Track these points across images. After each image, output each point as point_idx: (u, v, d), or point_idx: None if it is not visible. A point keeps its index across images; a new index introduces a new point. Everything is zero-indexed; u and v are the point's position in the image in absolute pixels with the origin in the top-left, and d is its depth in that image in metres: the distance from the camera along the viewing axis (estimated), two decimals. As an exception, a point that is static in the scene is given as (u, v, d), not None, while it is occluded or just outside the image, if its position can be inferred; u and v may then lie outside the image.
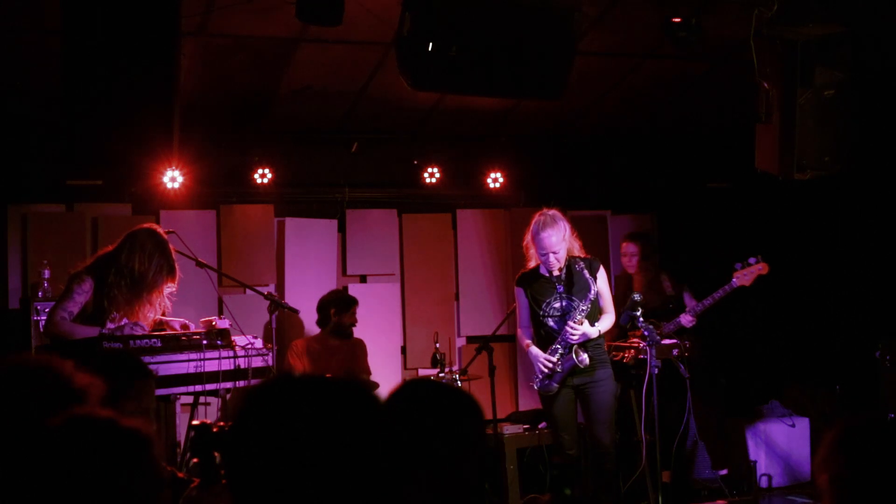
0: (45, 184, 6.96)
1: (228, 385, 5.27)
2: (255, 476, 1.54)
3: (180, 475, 2.92)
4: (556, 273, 5.68)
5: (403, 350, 7.94)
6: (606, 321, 5.83)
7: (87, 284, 5.13)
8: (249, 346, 5.35)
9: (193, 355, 5.11)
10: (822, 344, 7.64)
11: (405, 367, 7.92)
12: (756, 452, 7.06)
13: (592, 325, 5.70)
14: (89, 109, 4.40)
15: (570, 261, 5.69)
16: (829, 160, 5.47)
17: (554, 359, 5.68)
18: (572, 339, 5.63)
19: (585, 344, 5.67)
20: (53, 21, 4.57)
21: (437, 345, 6.54)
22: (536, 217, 5.73)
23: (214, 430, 2.26)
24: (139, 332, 5.04)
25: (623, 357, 6.51)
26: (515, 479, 6.44)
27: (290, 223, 7.65)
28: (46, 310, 5.43)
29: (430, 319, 7.84)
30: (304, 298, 7.15)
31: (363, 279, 7.93)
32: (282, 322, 7.18)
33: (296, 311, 6.14)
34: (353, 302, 7.10)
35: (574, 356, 5.62)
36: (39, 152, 6.76)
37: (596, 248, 6.87)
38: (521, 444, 6.54)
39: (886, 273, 7.20)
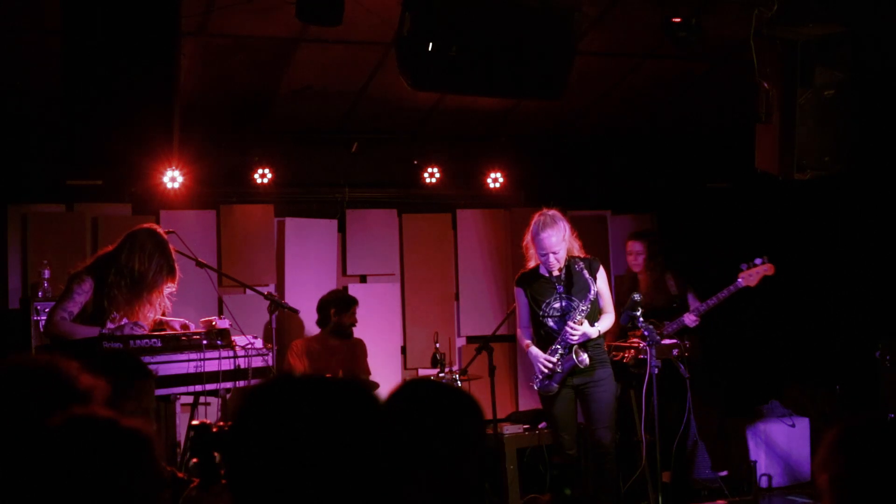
0: (45, 184, 6.96)
1: (228, 385, 5.26)
2: (255, 476, 1.54)
3: (180, 475, 2.92)
4: (555, 273, 5.68)
5: (403, 350, 7.94)
6: (606, 321, 5.83)
7: (87, 284, 5.13)
8: (249, 346, 5.35)
9: (193, 355, 5.11)
10: (822, 344, 7.64)
11: (405, 367, 7.92)
12: (756, 452, 7.06)
13: (592, 325, 5.70)
14: (89, 109, 4.40)
15: (570, 261, 5.69)
16: (829, 160, 5.47)
17: (554, 359, 5.68)
18: (572, 340, 5.63)
19: (585, 344, 5.67)
20: (53, 21, 4.57)
21: (437, 345, 6.54)
22: (536, 217, 5.73)
23: (214, 430, 2.26)
24: (139, 332, 5.04)
25: (623, 357, 6.51)
26: (515, 479, 6.44)
27: (290, 223, 7.65)
28: (46, 310, 5.43)
29: (430, 319, 7.84)
30: (304, 298, 7.16)
31: (363, 279, 7.93)
32: (282, 322, 7.18)
33: (296, 311, 6.14)
34: (353, 302, 7.10)
35: (574, 356, 5.62)
36: (39, 152, 6.76)
37: (596, 248, 6.87)
38: (521, 444, 6.54)
39: (886, 273, 7.20)
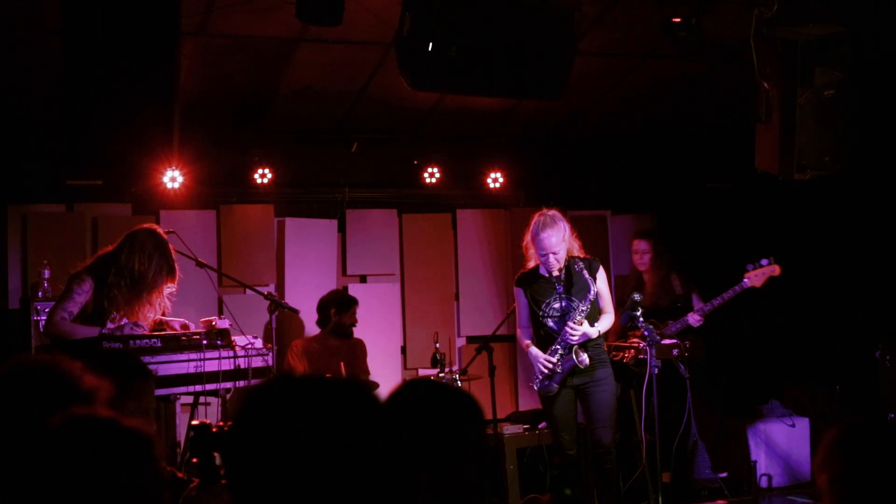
0: (45, 184, 6.96)
1: (228, 385, 5.27)
2: (255, 476, 1.54)
3: (180, 475, 2.92)
4: (555, 273, 5.67)
5: (403, 350, 7.94)
6: (606, 321, 5.83)
7: (86, 284, 5.13)
8: (249, 346, 5.35)
9: (193, 355, 5.11)
10: (822, 344, 7.64)
11: (405, 367, 7.92)
12: (756, 452, 7.06)
13: (592, 325, 5.70)
14: (89, 109, 4.40)
15: (570, 261, 5.69)
16: (829, 160, 5.47)
17: (554, 359, 5.68)
18: (572, 340, 5.63)
19: (585, 344, 5.67)
20: (53, 21, 4.57)
21: (437, 345, 6.54)
22: (536, 217, 5.73)
23: (214, 430, 2.26)
24: (139, 332, 5.04)
25: (623, 357, 6.51)
26: (515, 479, 6.44)
27: (290, 223, 7.65)
28: (46, 310, 5.43)
29: (430, 319, 7.84)
30: (304, 298, 7.16)
31: (363, 279, 7.93)
32: (282, 322, 7.18)
33: (296, 311, 6.14)
34: (352, 302, 7.10)
35: (574, 357, 5.62)
36: (39, 152, 6.77)
37: (596, 248, 6.88)
38: (521, 444, 6.54)
39: (886, 273, 7.20)
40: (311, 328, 7.29)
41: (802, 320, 7.81)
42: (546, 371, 5.71)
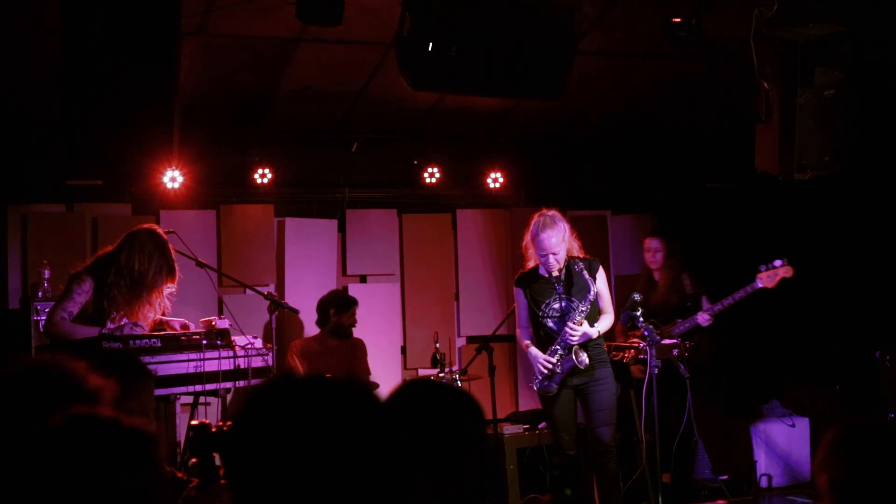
0: (45, 184, 6.96)
1: (228, 385, 5.26)
2: (255, 476, 1.54)
3: (180, 475, 2.92)
4: (555, 274, 5.67)
5: (403, 350, 7.94)
6: (606, 321, 5.83)
7: (86, 284, 5.13)
8: (249, 346, 5.34)
9: (193, 355, 5.10)
10: (822, 344, 7.64)
11: (405, 367, 7.92)
12: (756, 452, 7.06)
13: (592, 325, 5.69)
14: (89, 109, 4.40)
15: (570, 261, 5.69)
16: (829, 160, 5.47)
17: (553, 360, 5.68)
18: (572, 341, 5.62)
19: (585, 344, 5.67)
20: (53, 21, 4.57)
21: (437, 345, 6.54)
22: (536, 218, 5.72)
23: (213, 430, 2.26)
24: (139, 332, 5.04)
25: (623, 357, 6.51)
26: (515, 479, 6.44)
27: (290, 223, 7.65)
28: (46, 310, 5.43)
29: (430, 319, 7.84)
30: (304, 298, 7.16)
31: (363, 279, 7.93)
32: (282, 322, 7.18)
33: (296, 311, 6.13)
34: (352, 302, 7.10)
35: (573, 357, 5.62)
36: (39, 152, 6.77)
37: (596, 249, 6.88)
38: (521, 444, 6.54)
39: (886, 273, 7.20)
40: (311, 328, 7.29)
41: (802, 320, 7.81)
42: (545, 371, 5.70)
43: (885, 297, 7.17)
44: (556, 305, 5.72)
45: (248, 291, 6.77)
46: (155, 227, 5.43)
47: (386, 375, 7.33)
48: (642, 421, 6.09)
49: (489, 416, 6.35)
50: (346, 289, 7.65)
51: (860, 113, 5.54)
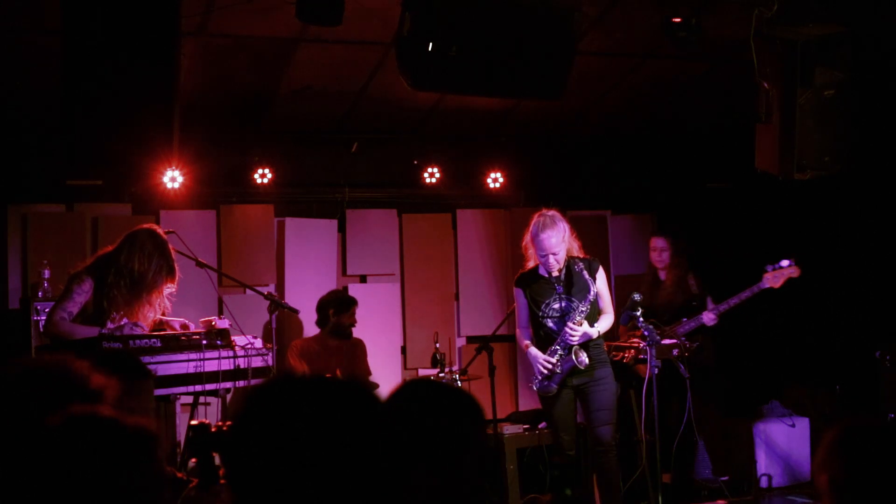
0: (45, 184, 6.96)
1: (228, 385, 5.26)
2: (255, 476, 1.54)
3: (179, 475, 2.92)
4: (555, 274, 5.67)
5: (403, 350, 7.94)
6: (606, 322, 5.83)
7: (86, 285, 5.13)
8: (249, 346, 5.35)
9: (193, 355, 5.10)
10: (822, 344, 7.63)
11: (405, 367, 7.92)
12: (756, 452, 7.06)
13: (591, 325, 5.69)
14: (89, 109, 4.39)
15: (570, 261, 5.69)
16: (829, 160, 5.47)
17: (553, 360, 5.68)
18: (572, 341, 5.62)
19: (585, 344, 5.67)
20: (53, 21, 4.57)
21: (437, 345, 6.54)
22: (536, 218, 5.72)
23: (213, 430, 2.26)
24: (139, 332, 5.04)
25: (623, 357, 6.50)
26: (515, 479, 6.44)
27: (290, 223, 7.66)
28: (46, 310, 5.43)
29: (430, 319, 7.84)
30: (304, 298, 7.15)
31: (363, 279, 7.93)
32: (282, 322, 7.18)
33: (296, 311, 6.13)
34: (351, 302, 7.10)
35: (573, 357, 5.61)
36: (39, 152, 6.77)
37: (596, 249, 6.87)
38: (521, 444, 6.53)
39: (886, 273, 7.20)
40: (311, 328, 7.29)
41: (802, 320, 7.81)
42: (545, 371, 5.70)
43: (885, 297, 7.17)
44: (556, 305, 5.72)
45: (248, 291, 6.77)
46: (155, 227, 5.43)
47: (386, 375, 7.33)
48: (642, 421, 6.09)
49: (489, 416, 6.34)
50: (346, 289, 7.65)
51: (860, 113, 5.54)
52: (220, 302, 7.21)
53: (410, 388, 2.23)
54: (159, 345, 5.02)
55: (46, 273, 6.46)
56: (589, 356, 5.65)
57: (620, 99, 7.37)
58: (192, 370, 5.09)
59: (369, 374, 7.07)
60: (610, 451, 5.73)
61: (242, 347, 5.30)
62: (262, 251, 7.54)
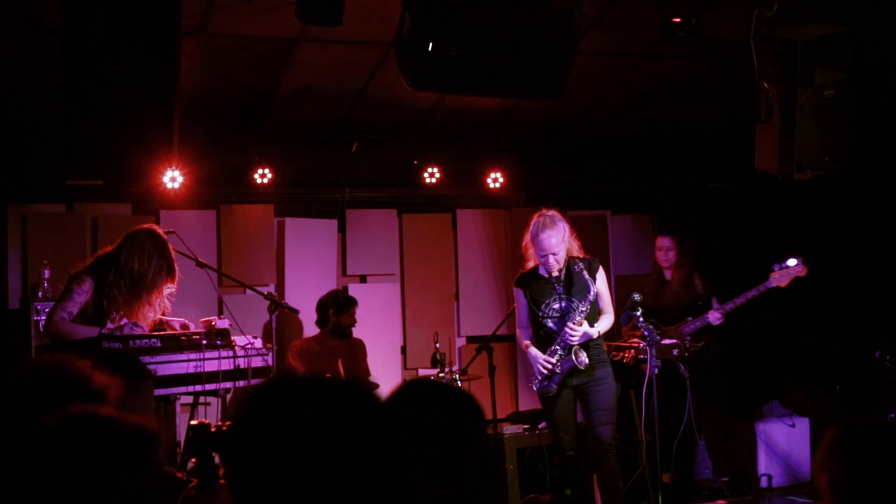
0: (45, 184, 6.97)
1: (228, 385, 5.26)
2: (254, 476, 1.54)
3: (179, 475, 2.92)
4: (555, 274, 5.67)
5: (403, 350, 7.94)
6: (606, 322, 5.83)
7: (86, 285, 5.13)
8: (249, 346, 5.34)
9: (193, 355, 5.10)
10: (822, 344, 7.63)
11: (405, 367, 7.92)
12: (756, 452, 7.06)
13: (592, 325, 5.69)
14: (89, 109, 4.39)
15: (570, 261, 5.69)
16: (829, 160, 5.47)
17: (553, 360, 5.68)
18: (572, 341, 5.62)
19: (585, 344, 5.67)
20: (53, 21, 4.57)
21: (437, 345, 6.54)
22: (535, 218, 5.72)
23: (213, 430, 2.26)
24: (139, 332, 5.04)
25: (623, 357, 6.50)
26: (515, 479, 6.44)
27: (290, 223, 7.66)
28: (46, 310, 5.43)
29: (430, 319, 7.84)
30: (304, 298, 7.15)
31: (363, 279, 7.93)
32: (282, 322, 7.18)
33: (296, 311, 6.13)
34: (351, 302, 7.10)
35: (573, 357, 5.61)
36: (39, 152, 6.77)
37: (596, 249, 6.87)
38: (521, 444, 6.53)
39: (887, 273, 7.20)
40: (311, 328, 7.29)
41: (803, 320, 7.81)
42: (545, 371, 5.70)
43: (885, 297, 7.17)
44: (556, 306, 5.71)
45: (248, 291, 6.77)
46: (155, 227, 5.43)
47: (386, 375, 7.33)
48: (642, 421, 6.09)
49: (489, 416, 6.35)
50: (346, 289, 7.65)
51: (860, 113, 5.54)
52: (220, 302, 7.21)
53: (410, 388, 2.22)
54: (159, 345, 5.02)
55: (46, 273, 6.46)
56: (589, 356, 5.65)
57: (620, 99, 7.37)
58: (191, 370, 5.09)
59: (369, 374, 7.07)
60: (610, 451, 5.73)
61: (242, 347, 5.30)
62: (262, 251, 7.55)
